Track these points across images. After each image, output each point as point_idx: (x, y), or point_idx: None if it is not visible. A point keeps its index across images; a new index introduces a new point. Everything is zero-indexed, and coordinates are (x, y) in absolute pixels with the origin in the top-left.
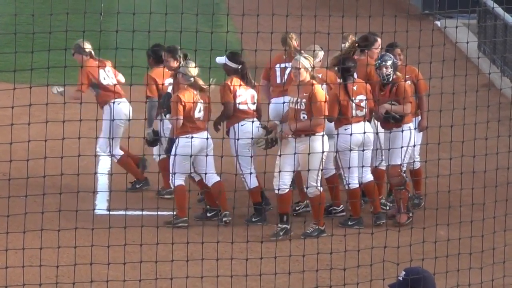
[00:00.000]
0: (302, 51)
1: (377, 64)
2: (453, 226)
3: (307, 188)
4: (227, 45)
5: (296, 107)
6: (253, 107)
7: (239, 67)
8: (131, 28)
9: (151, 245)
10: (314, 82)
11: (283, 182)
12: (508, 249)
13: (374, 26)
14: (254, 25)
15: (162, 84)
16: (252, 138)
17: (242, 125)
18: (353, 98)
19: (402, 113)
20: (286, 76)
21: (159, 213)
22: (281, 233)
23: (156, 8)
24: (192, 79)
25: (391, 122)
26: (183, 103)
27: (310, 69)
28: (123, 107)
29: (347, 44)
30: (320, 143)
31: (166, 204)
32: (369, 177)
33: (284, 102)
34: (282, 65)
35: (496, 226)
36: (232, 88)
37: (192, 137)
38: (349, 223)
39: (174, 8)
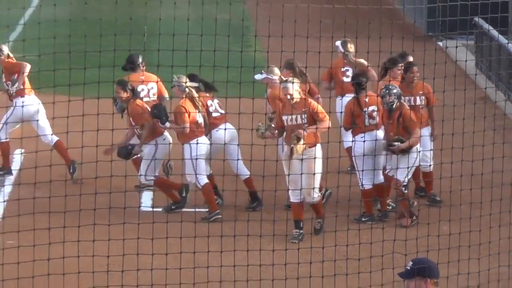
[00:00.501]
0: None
1: (382, 93)
2: (454, 222)
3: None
4: (255, 62)
5: (297, 122)
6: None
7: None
8: (171, 48)
9: (190, 237)
10: (306, 97)
11: (296, 193)
12: (502, 242)
13: (384, 46)
14: (278, 45)
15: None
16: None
17: (216, 131)
18: (366, 109)
19: (411, 144)
20: (346, 78)
21: (196, 210)
22: (300, 238)
23: (192, 30)
24: (187, 89)
25: (399, 154)
26: (188, 112)
27: (297, 89)
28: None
29: (352, 49)
30: (320, 151)
31: (202, 201)
32: (380, 178)
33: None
34: (344, 68)
35: (492, 222)
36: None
37: (198, 141)
38: (363, 219)
39: (209, 30)
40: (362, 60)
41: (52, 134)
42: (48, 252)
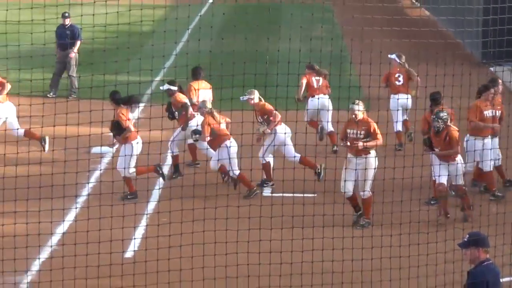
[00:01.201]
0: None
1: (433, 118)
2: (500, 205)
3: (363, 191)
4: (350, 83)
5: (356, 136)
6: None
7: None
8: (286, 72)
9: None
10: (368, 118)
11: (348, 188)
12: None
13: (448, 71)
14: (367, 70)
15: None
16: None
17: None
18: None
19: (452, 152)
20: (398, 82)
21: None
22: (365, 224)
23: (303, 59)
24: (209, 110)
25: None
26: (210, 125)
27: (363, 110)
28: None
29: (403, 60)
30: (373, 160)
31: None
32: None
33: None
34: (397, 75)
35: None
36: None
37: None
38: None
39: (315, 59)
40: (412, 70)
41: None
42: (192, 227)
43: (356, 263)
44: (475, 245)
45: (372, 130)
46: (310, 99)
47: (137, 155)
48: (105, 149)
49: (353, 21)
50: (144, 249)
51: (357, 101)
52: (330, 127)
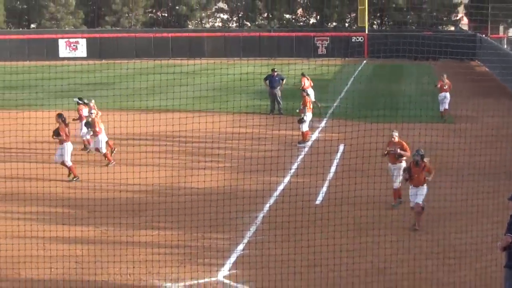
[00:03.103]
0: None
1: (415, 154)
2: None
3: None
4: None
5: (395, 152)
6: None
7: None
8: (409, 101)
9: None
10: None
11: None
12: None
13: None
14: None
15: None
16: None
17: None
18: None
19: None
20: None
21: None
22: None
23: (419, 95)
24: None
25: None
26: None
27: (397, 135)
28: None
29: (445, 79)
30: (404, 164)
31: None
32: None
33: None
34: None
35: None
36: None
37: None
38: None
39: (424, 93)
40: (448, 81)
41: None
42: None
43: None
44: None
45: (404, 147)
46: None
47: None
48: None
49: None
50: None
51: (395, 130)
52: None
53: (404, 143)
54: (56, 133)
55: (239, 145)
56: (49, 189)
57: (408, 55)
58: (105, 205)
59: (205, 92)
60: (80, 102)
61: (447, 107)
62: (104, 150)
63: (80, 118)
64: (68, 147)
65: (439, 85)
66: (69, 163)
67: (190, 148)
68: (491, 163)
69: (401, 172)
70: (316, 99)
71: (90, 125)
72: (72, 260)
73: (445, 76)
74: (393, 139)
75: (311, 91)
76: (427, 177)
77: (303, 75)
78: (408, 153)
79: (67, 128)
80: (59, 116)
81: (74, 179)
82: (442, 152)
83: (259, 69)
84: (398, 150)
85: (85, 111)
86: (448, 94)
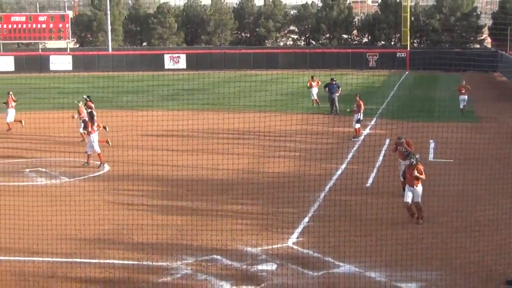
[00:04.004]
0: None
1: (411, 156)
2: None
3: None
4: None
5: (403, 150)
6: None
7: None
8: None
9: None
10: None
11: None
12: None
13: None
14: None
15: None
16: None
17: None
18: None
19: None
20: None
21: None
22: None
23: (449, 101)
24: None
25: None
26: None
27: (404, 139)
28: None
29: (463, 84)
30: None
31: None
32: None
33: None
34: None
35: None
36: None
37: None
38: None
39: (452, 97)
40: (466, 86)
41: None
42: None
43: None
44: None
45: (409, 145)
46: None
47: None
48: None
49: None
50: None
51: (401, 135)
52: None
53: (410, 141)
54: (84, 127)
55: (306, 139)
56: (156, 172)
57: (441, 67)
58: (200, 185)
59: (279, 96)
60: (88, 99)
61: (464, 105)
62: (98, 150)
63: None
64: (95, 137)
65: (458, 89)
66: (98, 150)
67: (267, 140)
68: (509, 155)
69: (404, 167)
70: (317, 97)
71: (85, 123)
72: (174, 228)
73: (464, 82)
74: (400, 140)
75: (314, 90)
76: (420, 176)
77: (312, 78)
78: (412, 149)
79: (94, 122)
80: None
81: (101, 164)
82: (468, 145)
83: (322, 78)
84: (405, 149)
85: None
86: (466, 97)
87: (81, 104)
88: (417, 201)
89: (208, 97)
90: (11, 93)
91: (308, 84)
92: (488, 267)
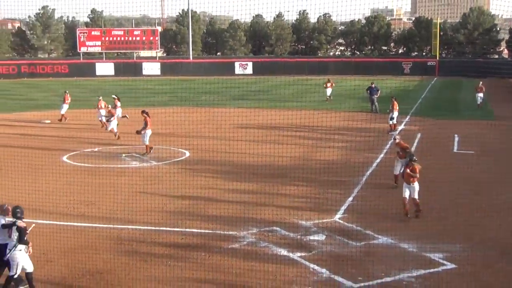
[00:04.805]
0: None
1: (408, 156)
2: None
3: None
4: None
5: (398, 151)
6: None
7: None
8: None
9: None
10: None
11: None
12: None
13: None
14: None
15: None
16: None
17: None
18: None
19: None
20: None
21: None
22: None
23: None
24: None
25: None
26: None
27: (400, 139)
28: None
29: (480, 85)
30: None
31: None
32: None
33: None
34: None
35: None
36: None
37: None
38: None
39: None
40: (482, 86)
41: None
42: None
43: None
44: None
45: (403, 146)
46: None
47: None
48: None
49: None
50: None
51: (397, 135)
52: None
53: (403, 143)
54: (145, 124)
55: (350, 132)
56: (227, 158)
57: (465, 74)
58: (262, 169)
59: (327, 97)
60: (115, 97)
61: (480, 102)
62: (147, 142)
63: (115, 107)
64: (148, 132)
65: (476, 88)
66: (146, 142)
67: (318, 133)
68: None
69: (401, 164)
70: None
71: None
72: (241, 204)
73: (480, 83)
74: (395, 141)
75: (329, 90)
76: (413, 175)
77: (328, 80)
78: (407, 148)
79: (149, 119)
80: (143, 112)
81: (146, 154)
82: (486, 139)
83: (363, 82)
84: (401, 152)
85: (118, 103)
86: (482, 94)
87: (101, 98)
88: (414, 197)
89: (270, 97)
90: (67, 91)
91: (325, 85)
92: (503, 242)
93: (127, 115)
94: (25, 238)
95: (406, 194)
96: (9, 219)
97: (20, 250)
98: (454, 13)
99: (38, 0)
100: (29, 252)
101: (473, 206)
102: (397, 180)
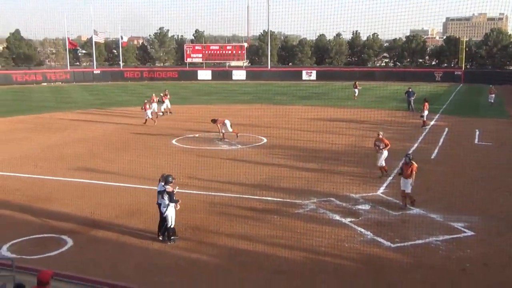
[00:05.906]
0: None
1: (408, 157)
2: None
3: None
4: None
5: (379, 144)
6: None
7: None
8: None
9: None
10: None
11: (381, 162)
12: None
13: None
14: None
15: None
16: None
17: None
18: None
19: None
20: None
21: None
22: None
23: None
24: None
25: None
26: None
27: (383, 134)
28: None
29: (492, 88)
30: (386, 152)
31: None
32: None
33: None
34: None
35: None
36: None
37: None
38: None
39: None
40: (494, 89)
41: None
42: None
43: None
44: None
45: (386, 142)
46: None
47: None
48: None
49: None
50: None
51: (381, 131)
52: None
53: (385, 139)
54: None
55: (391, 126)
56: (295, 143)
57: (486, 82)
58: (321, 153)
59: (374, 98)
60: (165, 92)
61: (492, 102)
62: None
63: (152, 100)
64: (228, 123)
65: (488, 91)
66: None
67: (364, 126)
68: None
69: (383, 157)
70: (359, 94)
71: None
72: (305, 179)
73: (491, 86)
74: (379, 136)
75: (357, 90)
76: (411, 175)
77: (355, 82)
78: (388, 146)
79: (219, 125)
80: (212, 121)
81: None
82: (503, 134)
83: (403, 87)
84: (381, 145)
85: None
86: (493, 95)
87: (154, 95)
88: (407, 191)
89: (329, 98)
90: (167, 90)
91: (354, 86)
92: None
93: (171, 111)
94: (174, 198)
95: (404, 187)
96: (165, 186)
97: (171, 207)
98: (478, 33)
99: (156, 23)
100: (177, 207)
101: (491, 187)
102: (385, 169)
